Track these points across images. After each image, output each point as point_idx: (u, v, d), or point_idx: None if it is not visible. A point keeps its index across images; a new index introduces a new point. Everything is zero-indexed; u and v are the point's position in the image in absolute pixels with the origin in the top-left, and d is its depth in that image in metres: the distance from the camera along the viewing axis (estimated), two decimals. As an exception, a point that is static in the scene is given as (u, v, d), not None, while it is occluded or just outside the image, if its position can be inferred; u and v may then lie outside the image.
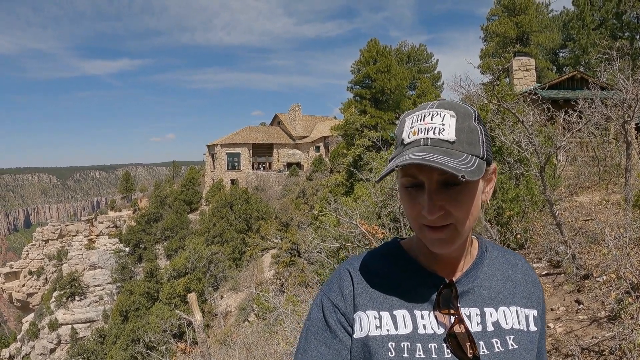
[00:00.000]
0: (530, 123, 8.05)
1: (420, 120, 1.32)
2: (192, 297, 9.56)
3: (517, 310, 1.44)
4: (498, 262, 1.51)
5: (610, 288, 6.05)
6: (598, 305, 6.27)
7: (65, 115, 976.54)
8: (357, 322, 1.38)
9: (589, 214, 11.48)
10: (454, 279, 1.40)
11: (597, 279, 6.98)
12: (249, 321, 28.48)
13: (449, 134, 1.28)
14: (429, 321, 1.36)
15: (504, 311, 1.42)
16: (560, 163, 13.13)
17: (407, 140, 1.31)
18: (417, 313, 1.37)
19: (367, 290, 1.41)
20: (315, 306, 1.46)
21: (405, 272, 1.44)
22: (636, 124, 9.80)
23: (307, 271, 24.54)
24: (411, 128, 1.32)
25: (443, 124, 1.29)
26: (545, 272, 8.75)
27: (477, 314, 1.39)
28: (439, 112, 1.31)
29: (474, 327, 1.36)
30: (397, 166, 1.24)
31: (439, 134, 1.28)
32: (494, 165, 1.41)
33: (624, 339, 4.46)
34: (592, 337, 5.58)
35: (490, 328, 1.38)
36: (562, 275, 8.20)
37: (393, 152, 1.36)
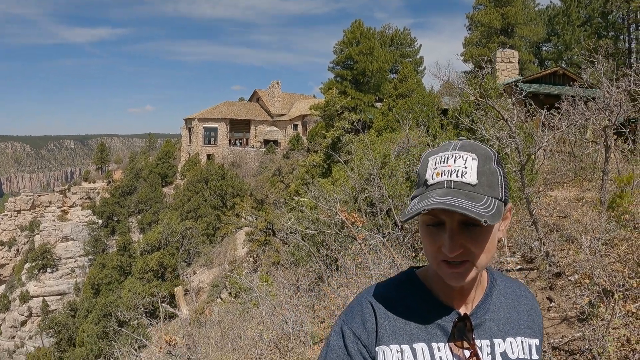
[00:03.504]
0: (514, 122, 8.15)
1: (444, 162, 1.40)
2: (179, 290, 9.58)
3: (522, 341, 1.55)
4: (505, 293, 1.60)
5: (582, 289, 6.20)
6: (569, 305, 6.42)
7: (42, 83, 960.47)
8: (380, 356, 1.46)
9: (563, 210, 11.69)
10: (467, 312, 1.49)
11: (569, 278, 7.15)
12: (221, 298, 28.51)
13: (471, 177, 1.36)
14: (444, 353, 1.45)
15: (510, 342, 1.53)
16: (538, 159, 13.34)
17: (430, 182, 1.39)
18: (434, 345, 1.46)
19: (389, 325, 1.47)
20: (335, 333, 1.53)
21: (422, 304, 1.51)
22: (615, 128, 9.98)
23: (281, 251, 24.62)
24: (435, 169, 1.40)
25: (465, 167, 1.37)
26: (519, 266, 8.91)
27: (487, 345, 1.50)
28: (461, 155, 1.39)
29: (485, 358, 1.47)
30: (424, 210, 1.30)
31: (461, 177, 1.36)
32: (510, 204, 1.49)
33: (594, 344, 4.60)
34: (563, 336, 5.73)
35: (498, 358, 1.49)
36: (535, 271, 8.37)
37: (415, 191, 1.44)
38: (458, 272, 1.38)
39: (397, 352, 1.44)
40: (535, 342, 1.58)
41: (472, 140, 1.46)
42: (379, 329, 1.47)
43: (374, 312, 1.49)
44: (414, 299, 1.52)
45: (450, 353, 1.45)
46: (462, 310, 1.50)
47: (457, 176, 1.36)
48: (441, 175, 1.38)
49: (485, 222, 1.27)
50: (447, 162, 1.38)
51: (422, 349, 1.44)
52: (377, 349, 1.46)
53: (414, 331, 1.46)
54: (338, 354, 1.49)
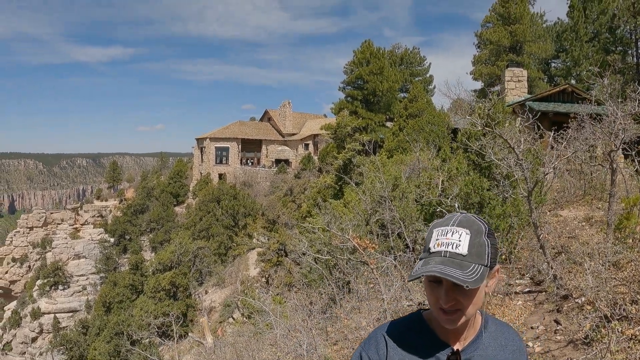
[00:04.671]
0: (521, 148, 8.34)
1: (444, 235, 1.85)
2: (204, 321, 9.82)
3: None
4: (495, 335, 2.03)
5: (587, 313, 6.35)
6: (575, 327, 6.56)
7: (54, 101, 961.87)
8: None
9: (572, 230, 11.82)
10: (460, 348, 1.92)
11: (576, 301, 7.29)
12: (233, 318, 28.61)
13: (463, 249, 1.81)
14: None
15: None
16: (547, 181, 13.50)
17: (432, 250, 1.86)
18: None
19: (397, 355, 1.93)
20: (356, 357, 2.02)
21: (425, 340, 1.95)
22: (624, 149, 10.13)
23: (293, 272, 24.75)
24: (437, 240, 1.86)
25: (460, 241, 1.83)
26: (527, 289, 9.06)
27: None
28: (457, 230, 1.85)
29: None
30: (422, 275, 1.77)
31: (455, 249, 1.82)
32: (497, 266, 1.92)
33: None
34: (568, 359, 5.88)
35: None
36: (544, 293, 8.50)
37: (422, 254, 1.91)
38: (451, 318, 1.82)
39: None
40: None
41: (470, 215, 1.91)
42: (389, 358, 1.92)
43: (386, 344, 1.96)
44: (418, 336, 1.96)
45: None
46: (456, 347, 1.91)
47: (452, 248, 1.82)
48: (440, 246, 1.83)
49: (467, 286, 1.71)
50: (446, 236, 1.84)
51: None
52: None
53: None
54: None
